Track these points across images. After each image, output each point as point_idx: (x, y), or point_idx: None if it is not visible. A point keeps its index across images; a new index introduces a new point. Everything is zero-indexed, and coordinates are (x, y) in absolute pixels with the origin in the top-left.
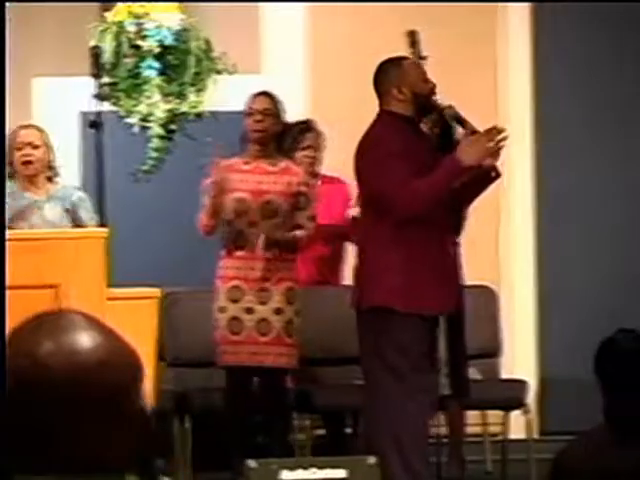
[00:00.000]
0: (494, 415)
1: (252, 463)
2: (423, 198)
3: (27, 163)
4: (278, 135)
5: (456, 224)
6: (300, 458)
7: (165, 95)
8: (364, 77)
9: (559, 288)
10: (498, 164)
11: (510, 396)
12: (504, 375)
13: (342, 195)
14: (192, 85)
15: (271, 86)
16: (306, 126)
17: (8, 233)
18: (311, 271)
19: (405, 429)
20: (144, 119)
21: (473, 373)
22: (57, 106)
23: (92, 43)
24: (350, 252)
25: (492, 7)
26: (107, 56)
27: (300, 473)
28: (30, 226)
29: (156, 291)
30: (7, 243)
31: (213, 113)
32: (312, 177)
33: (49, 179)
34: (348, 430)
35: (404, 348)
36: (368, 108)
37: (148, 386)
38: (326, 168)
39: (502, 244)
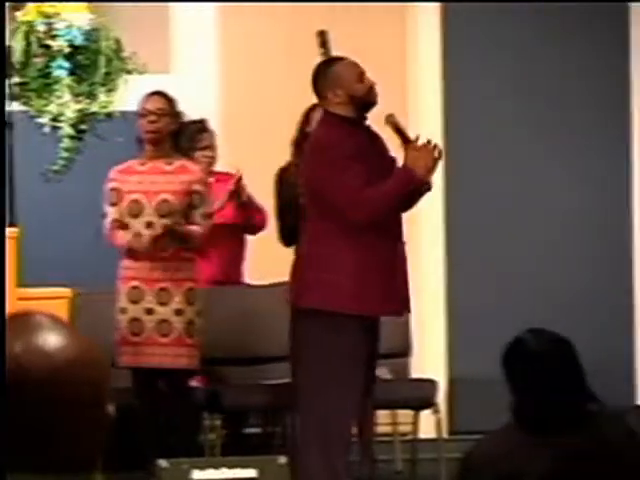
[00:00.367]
0: (404, 415)
1: (163, 463)
2: (374, 207)
3: None
4: (174, 134)
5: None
6: (211, 458)
7: (75, 95)
8: (273, 76)
9: (468, 288)
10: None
11: (420, 396)
12: (414, 375)
13: None
14: (102, 85)
15: (181, 86)
16: (202, 125)
17: None
18: (213, 271)
19: (335, 429)
20: (55, 119)
21: (383, 373)
22: None
23: None
24: (252, 251)
25: (401, 7)
26: (17, 56)
27: (211, 473)
28: None
29: (67, 291)
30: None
31: (123, 113)
32: (210, 176)
33: None
34: (255, 430)
35: (345, 349)
36: (276, 106)
37: None
38: (231, 164)
39: (413, 245)
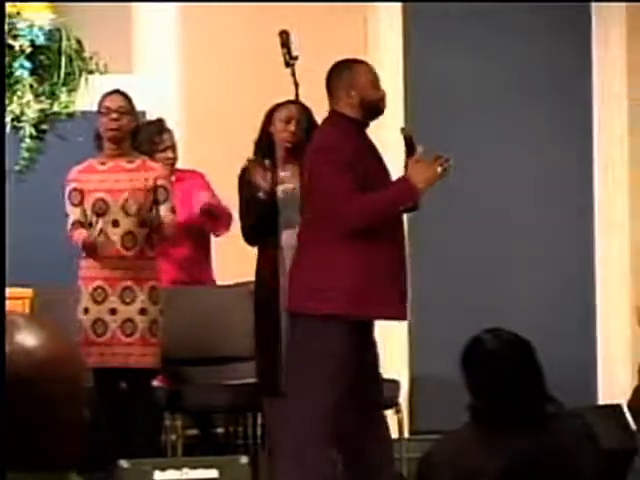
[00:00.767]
0: None
1: (125, 463)
2: (368, 215)
3: None
4: (133, 133)
5: None
6: (172, 458)
7: (37, 95)
8: (236, 76)
9: (430, 287)
10: None
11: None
12: None
13: (198, 187)
14: (64, 85)
15: (143, 86)
16: (161, 126)
17: None
18: (177, 272)
19: (314, 431)
20: (16, 119)
21: None
22: None
23: None
24: (218, 251)
25: (362, 7)
26: None
27: (172, 473)
28: None
29: (27, 291)
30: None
31: (85, 113)
32: (171, 175)
33: None
34: (220, 430)
35: (336, 352)
36: (239, 106)
37: None
38: (195, 163)
39: None
